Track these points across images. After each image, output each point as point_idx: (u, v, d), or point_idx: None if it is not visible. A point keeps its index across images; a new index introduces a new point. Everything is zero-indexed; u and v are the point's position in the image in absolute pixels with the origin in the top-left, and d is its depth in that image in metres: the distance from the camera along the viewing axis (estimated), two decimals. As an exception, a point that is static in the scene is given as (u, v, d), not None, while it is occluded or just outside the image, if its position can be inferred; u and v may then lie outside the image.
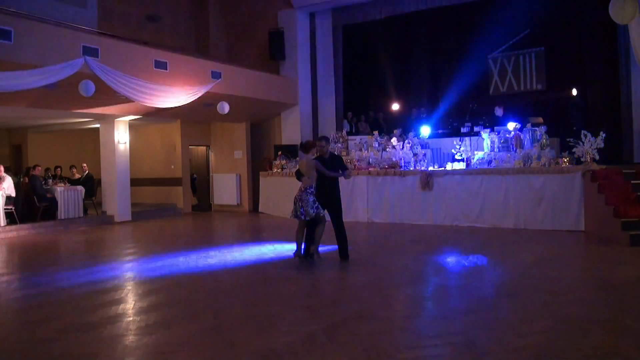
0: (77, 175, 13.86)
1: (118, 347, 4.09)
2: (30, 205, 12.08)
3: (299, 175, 7.12)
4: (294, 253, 7.12)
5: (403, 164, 11.63)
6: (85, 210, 13.25)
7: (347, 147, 13.29)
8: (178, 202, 15.52)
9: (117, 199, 13.35)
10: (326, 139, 7.40)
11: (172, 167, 15.67)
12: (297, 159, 7.41)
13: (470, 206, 10.53)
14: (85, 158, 15.01)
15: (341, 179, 7.31)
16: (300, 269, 6.83)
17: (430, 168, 11.51)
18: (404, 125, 13.42)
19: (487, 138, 11.43)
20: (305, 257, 7.10)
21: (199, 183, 16.98)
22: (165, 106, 10.86)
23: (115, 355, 3.94)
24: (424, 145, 12.34)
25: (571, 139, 9.80)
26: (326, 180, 7.01)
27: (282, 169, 13.69)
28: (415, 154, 11.80)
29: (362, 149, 12.85)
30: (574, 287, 5.69)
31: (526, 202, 9.92)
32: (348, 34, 15.50)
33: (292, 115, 15.21)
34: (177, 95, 10.84)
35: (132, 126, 14.22)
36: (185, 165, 15.63)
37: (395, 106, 14.83)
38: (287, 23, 15.03)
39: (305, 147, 7.08)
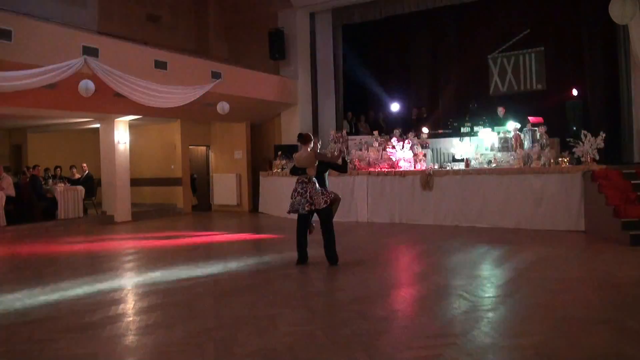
0: (77, 175, 13.86)
1: (118, 347, 4.09)
2: (30, 205, 12.08)
3: (295, 170, 6.98)
4: (297, 262, 6.98)
5: (403, 164, 11.63)
6: (85, 210, 13.26)
7: (347, 147, 13.29)
8: (178, 202, 15.52)
9: (117, 199, 13.35)
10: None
11: (172, 167, 15.68)
12: (294, 155, 7.24)
13: (471, 206, 10.53)
14: (85, 158, 15.00)
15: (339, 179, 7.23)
16: (300, 270, 6.82)
17: (430, 167, 11.50)
18: (404, 125, 13.42)
19: (487, 138, 11.44)
20: (332, 264, 6.82)
21: (199, 183, 16.98)
22: (165, 106, 10.86)
23: (115, 355, 3.94)
24: (424, 145, 12.35)
25: (571, 139, 9.80)
26: (318, 180, 6.82)
27: (282, 169, 13.69)
28: (415, 154, 11.80)
29: (362, 149, 12.85)
30: (574, 287, 5.69)
31: (526, 202, 9.92)
32: (348, 34, 15.49)
33: (292, 115, 15.21)
34: (177, 95, 10.85)
35: (132, 126, 14.22)
36: (185, 165, 15.64)
37: (395, 106, 14.83)
38: (287, 23, 15.02)
39: (305, 138, 6.96)
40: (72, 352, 3.99)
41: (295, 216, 7.03)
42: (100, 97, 9.84)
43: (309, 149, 6.89)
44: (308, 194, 6.66)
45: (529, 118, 11.38)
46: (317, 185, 6.73)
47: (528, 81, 13.85)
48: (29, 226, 11.56)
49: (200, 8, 16.21)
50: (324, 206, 6.69)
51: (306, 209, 6.66)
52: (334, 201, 6.91)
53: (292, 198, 6.80)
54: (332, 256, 6.83)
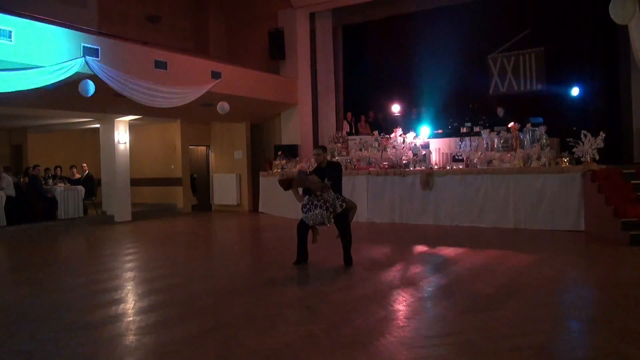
0: (77, 175, 13.86)
1: (118, 347, 4.09)
2: (30, 205, 12.08)
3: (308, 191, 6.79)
4: (296, 261, 6.98)
5: (403, 164, 11.63)
6: (85, 210, 13.26)
7: (347, 147, 13.29)
8: (178, 202, 15.52)
9: (117, 199, 13.36)
10: (323, 147, 7.23)
11: (172, 167, 15.68)
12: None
13: (470, 206, 10.53)
14: (85, 158, 15.00)
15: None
16: (300, 269, 6.82)
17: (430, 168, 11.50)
18: (404, 125, 13.42)
19: (486, 138, 11.43)
20: (347, 265, 6.85)
21: (199, 183, 16.98)
22: (165, 106, 10.86)
23: (115, 355, 3.94)
24: (424, 146, 12.34)
25: (571, 139, 9.80)
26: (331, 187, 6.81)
27: (282, 169, 13.68)
28: (415, 154, 11.80)
29: (362, 149, 12.85)
30: (574, 287, 5.69)
31: (526, 202, 9.92)
32: (348, 34, 15.50)
33: (292, 115, 15.22)
34: (177, 95, 10.84)
35: (132, 126, 14.22)
36: (185, 165, 15.64)
37: (395, 106, 14.83)
38: (287, 23, 15.02)
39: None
40: (72, 352, 3.99)
41: (294, 215, 7.02)
42: (100, 97, 9.84)
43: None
44: (325, 205, 6.59)
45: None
46: (330, 192, 6.69)
47: (528, 81, 13.86)
48: (29, 226, 11.56)
49: (200, 8, 16.21)
50: (343, 207, 6.70)
51: (319, 222, 6.65)
52: (350, 207, 6.94)
53: (309, 211, 6.66)
54: (348, 259, 6.90)
